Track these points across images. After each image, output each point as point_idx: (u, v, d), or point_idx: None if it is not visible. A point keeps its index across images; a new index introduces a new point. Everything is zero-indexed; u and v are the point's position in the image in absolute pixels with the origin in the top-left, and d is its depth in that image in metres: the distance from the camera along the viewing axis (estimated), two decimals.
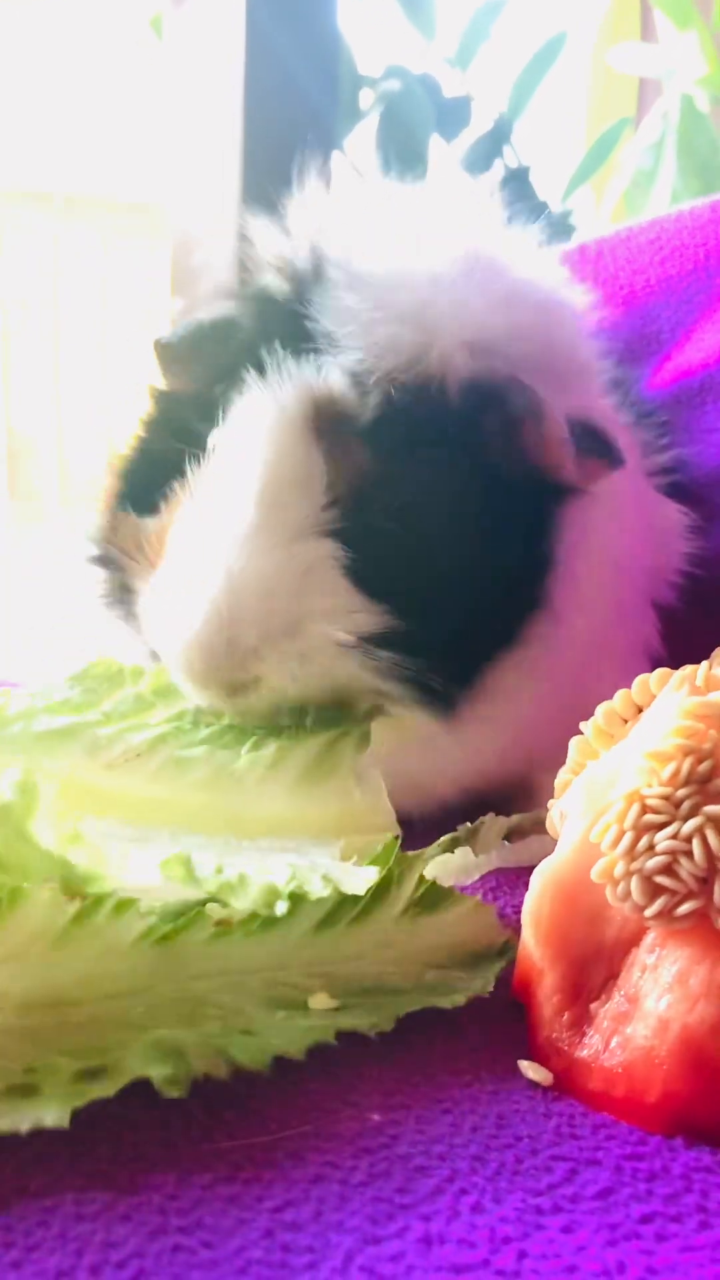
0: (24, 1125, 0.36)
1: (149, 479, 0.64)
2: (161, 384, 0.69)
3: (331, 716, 0.60)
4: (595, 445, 0.61)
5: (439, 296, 0.60)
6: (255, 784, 0.54)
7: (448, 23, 1.80)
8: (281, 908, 0.43)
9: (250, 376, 0.59)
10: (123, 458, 0.68)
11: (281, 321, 0.60)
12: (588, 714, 0.48)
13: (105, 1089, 0.38)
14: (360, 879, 0.45)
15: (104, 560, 0.67)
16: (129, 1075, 0.38)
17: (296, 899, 0.44)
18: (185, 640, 0.58)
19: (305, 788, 0.54)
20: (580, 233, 1.78)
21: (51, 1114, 0.37)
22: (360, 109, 1.69)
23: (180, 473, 0.62)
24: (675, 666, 0.47)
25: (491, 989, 0.48)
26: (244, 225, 0.66)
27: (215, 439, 0.61)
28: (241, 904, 0.43)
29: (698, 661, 0.47)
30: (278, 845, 0.50)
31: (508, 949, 0.50)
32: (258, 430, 0.59)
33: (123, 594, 0.65)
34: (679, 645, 0.72)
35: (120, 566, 0.65)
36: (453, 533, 0.59)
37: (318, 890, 0.44)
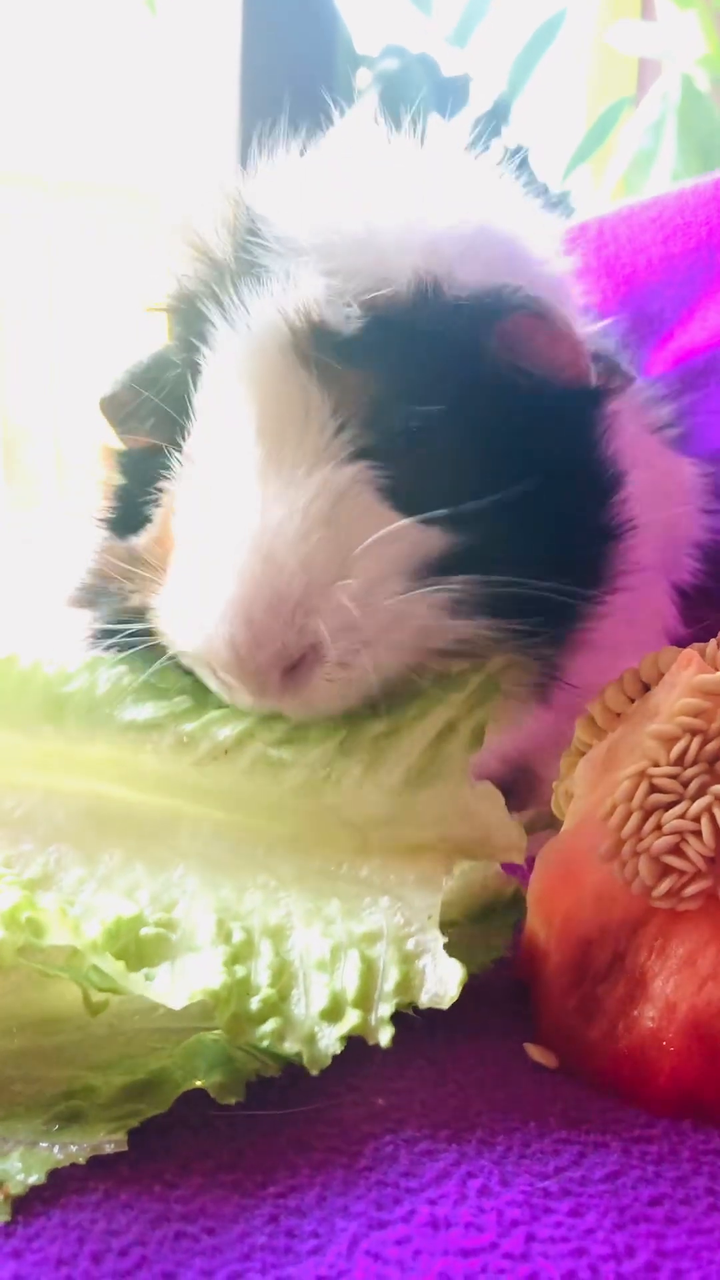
0: (82, 1157, 0.36)
1: (130, 516, 0.58)
2: (119, 445, 0.62)
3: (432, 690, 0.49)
4: (601, 365, 0.56)
5: (393, 218, 0.54)
6: (355, 786, 0.46)
7: (446, 1, 1.78)
8: (331, 1043, 0.38)
9: (214, 324, 0.52)
10: (100, 515, 0.62)
11: (229, 290, 0.53)
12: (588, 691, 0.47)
13: (158, 1105, 0.37)
14: (448, 981, 0.40)
15: (90, 599, 0.59)
16: (179, 1087, 0.37)
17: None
18: (220, 614, 0.48)
19: (410, 792, 0.46)
20: (579, 213, 1.76)
21: (106, 1138, 0.36)
22: (357, 89, 1.67)
23: (158, 489, 0.55)
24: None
25: (509, 947, 0.47)
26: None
27: (196, 403, 0.54)
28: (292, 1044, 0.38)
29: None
30: (377, 880, 0.44)
31: (518, 898, 0.49)
32: (236, 370, 0.52)
33: (116, 631, 0.55)
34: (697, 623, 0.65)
35: (111, 600, 0.57)
36: (488, 442, 0.51)
37: (386, 995, 0.39)
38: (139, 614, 0.55)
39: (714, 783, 0.40)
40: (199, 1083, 0.37)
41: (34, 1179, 0.35)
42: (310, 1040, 0.38)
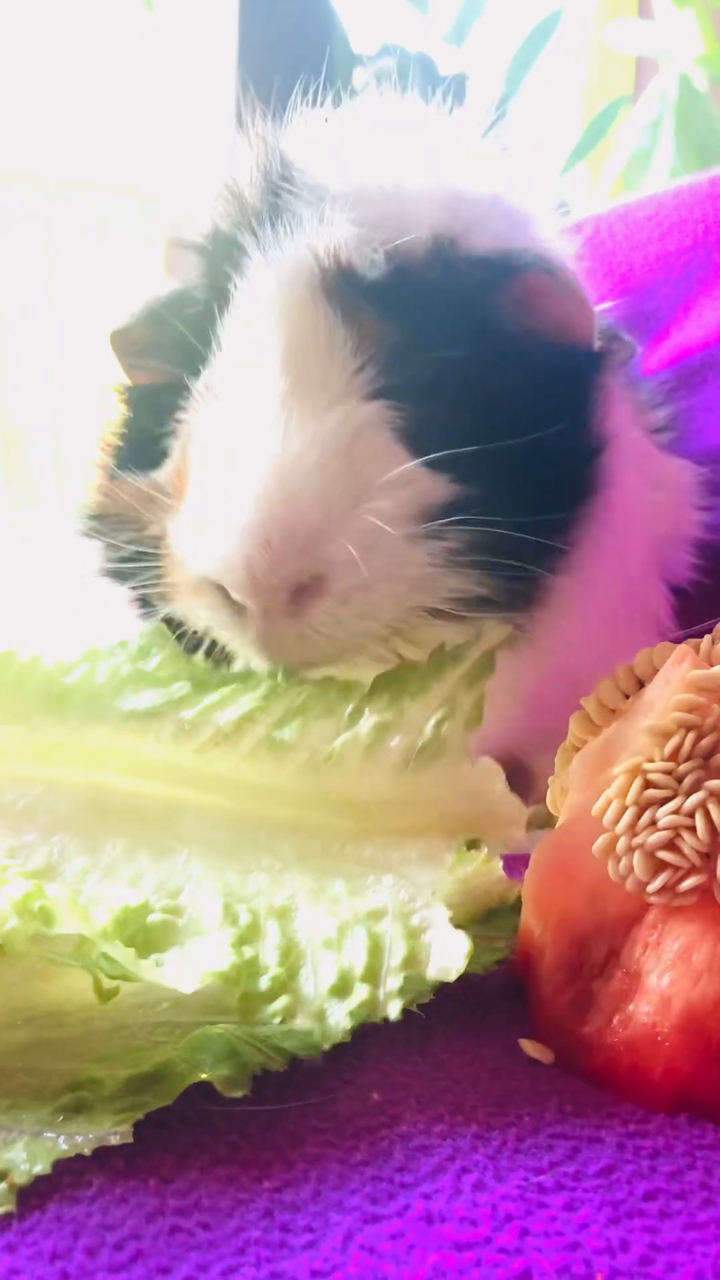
0: (87, 1148, 0.36)
1: (144, 450, 0.60)
2: (126, 380, 0.64)
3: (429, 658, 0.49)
4: (607, 333, 0.59)
5: (417, 179, 0.56)
6: (357, 767, 0.47)
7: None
8: (341, 1019, 0.38)
9: (245, 260, 0.55)
10: (106, 448, 0.64)
11: (260, 229, 0.55)
12: (583, 688, 0.48)
13: (163, 1097, 0.37)
14: (454, 953, 0.40)
15: (102, 529, 0.60)
16: (184, 1079, 0.37)
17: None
18: (237, 534, 0.50)
19: (412, 772, 0.47)
20: (577, 210, 1.76)
21: (112, 1129, 0.36)
22: (355, 88, 1.67)
23: (176, 420, 0.57)
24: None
25: (512, 949, 0.47)
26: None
27: (221, 335, 0.56)
28: (304, 1022, 0.38)
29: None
30: (380, 859, 0.45)
31: (520, 902, 0.49)
32: (264, 303, 0.54)
33: (131, 561, 0.57)
34: (694, 622, 0.66)
35: (127, 529, 0.58)
36: (498, 397, 0.54)
37: (393, 969, 0.39)
38: (158, 542, 0.57)
39: (709, 778, 0.40)
40: (204, 1076, 0.37)
41: (39, 1169, 0.35)
42: (320, 1016, 0.38)
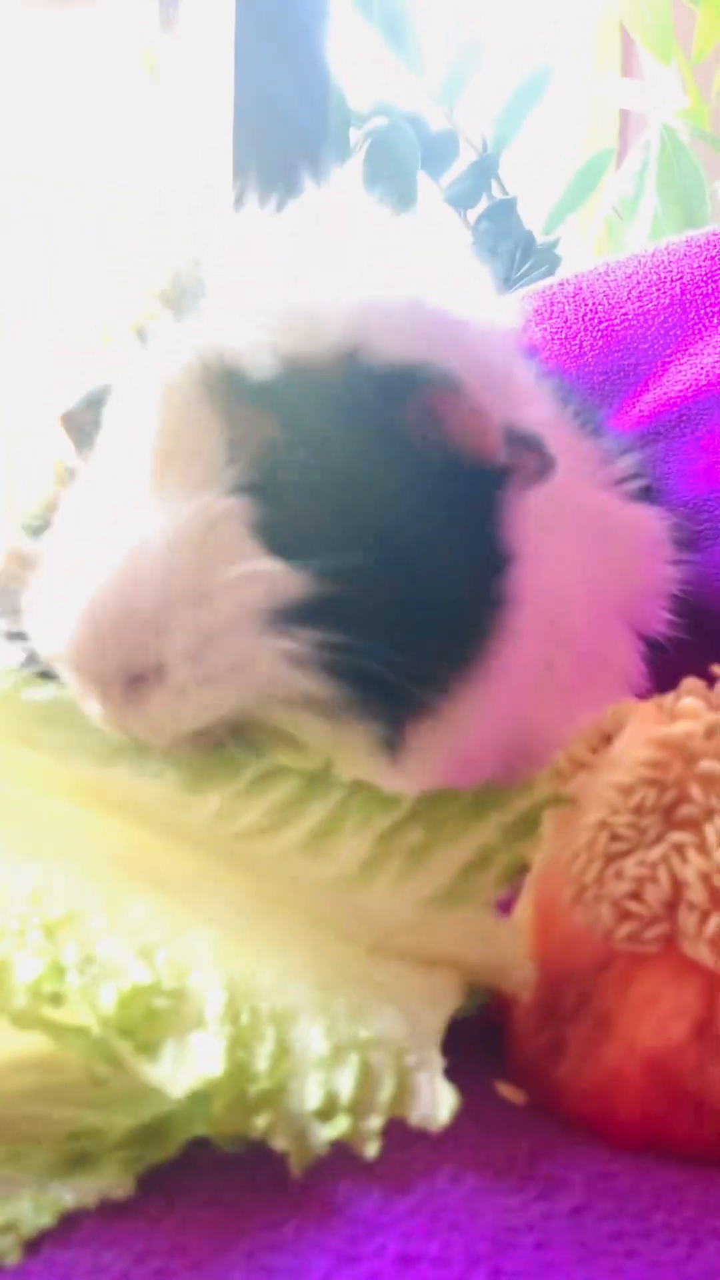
0: (91, 1200, 0.37)
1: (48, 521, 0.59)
2: (72, 459, 0.63)
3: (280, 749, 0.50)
4: (524, 445, 0.57)
5: (331, 286, 0.56)
6: (382, 891, 0.46)
7: (434, 58, 1.84)
8: (318, 1142, 0.38)
9: (131, 347, 0.55)
10: (28, 520, 0.64)
11: (160, 325, 0.56)
12: (533, 752, 0.49)
13: (164, 1149, 0.38)
14: (439, 1105, 0.40)
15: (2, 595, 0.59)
16: (184, 1132, 0.38)
17: None
18: (73, 616, 0.49)
19: (436, 909, 0.46)
20: (566, 262, 1.81)
21: (115, 1181, 0.37)
22: (351, 145, 1.72)
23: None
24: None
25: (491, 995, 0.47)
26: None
27: (105, 419, 0.56)
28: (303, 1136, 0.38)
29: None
30: (389, 985, 0.43)
31: None
32: (143, 396, 0.54)
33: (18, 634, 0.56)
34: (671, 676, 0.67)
35: (14, 600, 0.57)
36: (377, 503, 0.53)
37: (379, 1105, 0.39)
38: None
39: (669, 830, 0.43)
40: (203, 1131, 0.38)
41: (44, 1221, 0.36)
42: (300, 1138, 0.38)
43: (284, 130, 1.59)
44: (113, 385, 0.60)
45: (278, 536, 0.52)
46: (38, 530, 0.62)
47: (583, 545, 0.65)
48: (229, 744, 0.51)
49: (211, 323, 0.55)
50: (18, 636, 0.57)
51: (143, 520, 0.51)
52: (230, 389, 0.53)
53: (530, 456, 0.58)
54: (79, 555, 0.52)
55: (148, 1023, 0.40)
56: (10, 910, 0.42)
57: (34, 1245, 0.36)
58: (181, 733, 0.51)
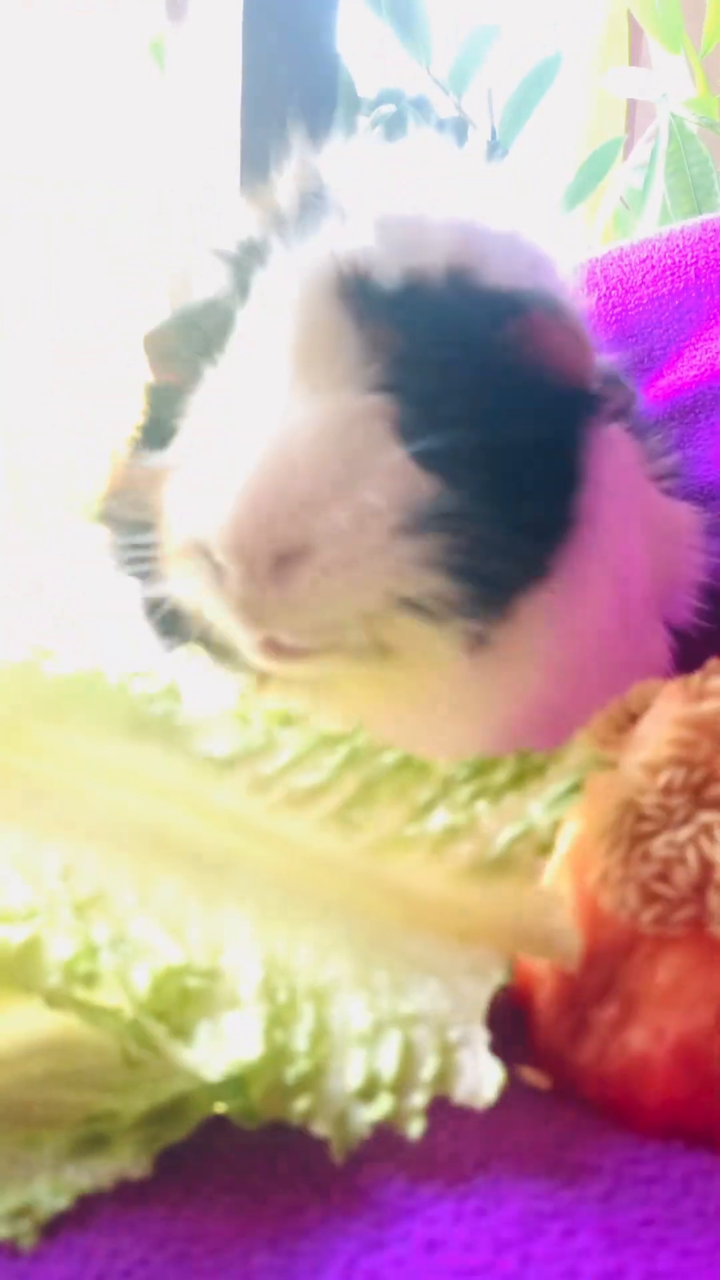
0: (107, 1181, 0.36)
1: (157, 437, 0.62)
2: (152, 379, 0.66)
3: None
4: (609, 381, 0.62)
5: (439, 211, 0.60)
6: (420, 862, 0.45)
7: (442, 46, 1.83)
8: (361, 1126, 0.37)
9: (271, 249, 0.58)
10: (128, 439, 0.66)
11: (289, 233, 0.59)
12: (577, 713, 0.49)
13: (180, 1129, 0.37)
14: (486, 1082, 0.38)
15: (109, 512, 0.62)
16: (201, 1112, 0.37)
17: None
18: (229, 497, 0.51)
19: (475, 881, 0.45)
20: (575, 253, 1.79)
21: (130, 1163, 0.36)
22: (359, 132, 1.71)
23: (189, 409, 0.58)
24: None
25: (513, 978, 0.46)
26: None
27: (238, 321, 0.58)
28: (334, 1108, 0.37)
29: None
30: (428, 958, 0.42)
31: None
32: (282, 296, 0.57)
33: (133, 537, 0.59)
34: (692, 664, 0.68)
35: (131, 508, 0.60)
36: (491, 420, 0.56)
37: (422, 1084, 0.38)
38: (157, 516, 0.58)
39: (699, 811, 0.42)
40: (220, 1109, 0.38)
41: (60, 1203, 0.35)
42: (340, 1122, 0.37)
43: (292, 118, 1.58)
44: (207, 307, 0.62)
45: (415, 435, 0.54)
46: (134, 448, 0.64)
47: (630, 531, 0.66)
48: (347, 650, 0.55)
49: (343, 235, 0.58)
50: (133, 555, 0.58)
51: (290, 413, 0.54)
52: (362, 296, 0.56)
53: (616, 390, 0.62)
54: (225, 448, 0.54)
55: (181, 1004, 0.39)
56: (39, 888, 0.42)
57: (51, 1229, 0.36)
58: (314, 618, 0.54)
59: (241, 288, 0.60)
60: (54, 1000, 0.39)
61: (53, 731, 0.47)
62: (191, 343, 0.62)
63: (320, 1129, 0.37)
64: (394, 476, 0.53)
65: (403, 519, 0.53)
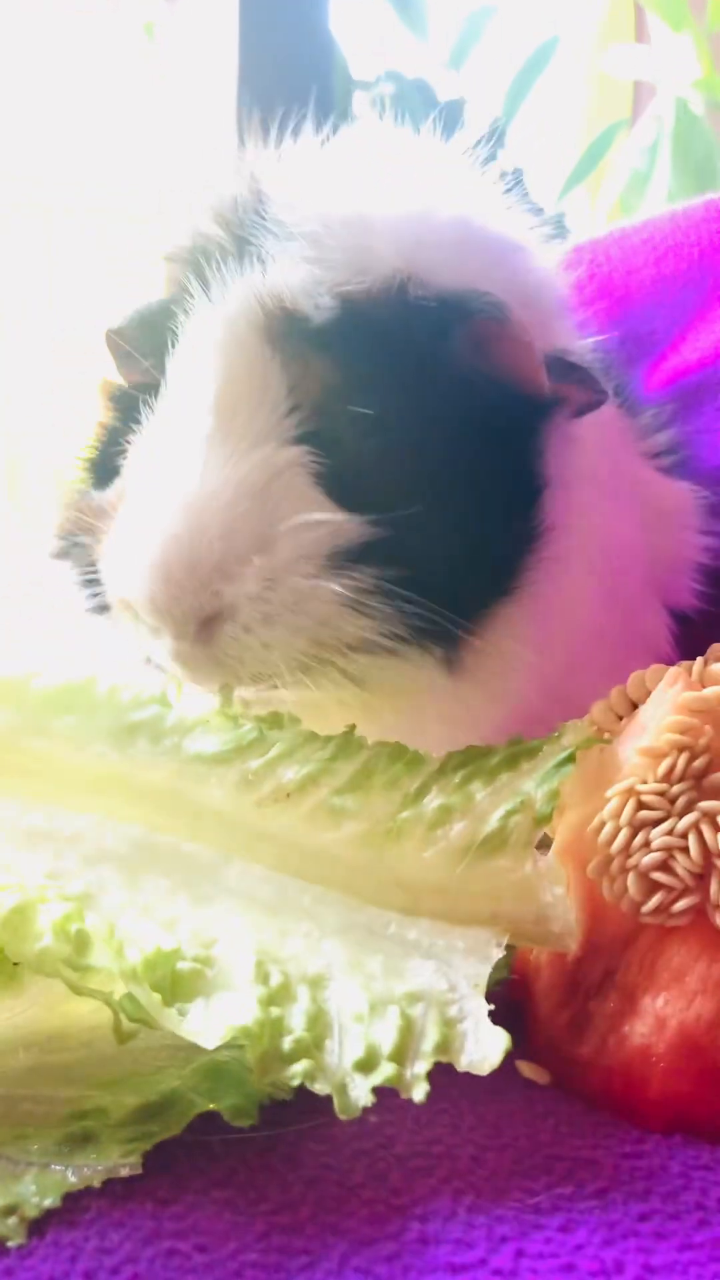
0: (96, 1180, 0.36)
1: (109, 462, 0.61)
2: (117, 378, 0.65)
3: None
4: (574, 376, 0.59)
5: (381, 211, 0.57)
6: (415, 846, 0.45)
7: (441, 25, 1.81)
8: (363, 1093, 0.37)
9: (195, 295, 0.57)
10: (84, 454, 0.66)
11: (221, 262, 0.57)
12: (574, 703, 0.48)
13: (171, 1126, 0.37)
14: (491, 1047, 0.38)
15: (68, 550, 0.62)
16: (193, 1109, 0.37)
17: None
18: (144, 566, 0.53)
19: (471, 861, 0.45)
20: (575, 234, 1.78)
21: (120, 1161, 0.36)
22: (354, 113, 1.69)
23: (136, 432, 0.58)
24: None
25: (512, 970, 0.46)
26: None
27: (168, 367, 0.58)
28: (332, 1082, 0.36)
29: None
30: (425, 943, 0.43)
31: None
32: (206, 343, 0.56)
33: (91, 579, 0.59)
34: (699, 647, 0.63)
35: (86, 548, 0.60)
36: (432, 442, 0.55)
37: (423, 1053, 0.37)
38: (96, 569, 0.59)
39: (701, 799, 0.41)
40: (213, 1106, 0.37)
41: (49, 1202, 0.35)
42: (341, 1089, 0.37)
43: (288, 98, 1.56)
44: (166, 305, 0.60)
45: (337, 482, 0.54)
46: (97, 466, 0.64)
47: (621, 512, 0.64)
48: (290, 686, 0.54)
49: (270, 264, 0.56)
50: (90, 582, 0.60)
51: (209, 471, 0.54)
52: (290, 333, 0.55)
53: (578, 389, 0.58)
54: (149, 506, 0.55)
55: (173, 983, 0.38)
56: (29, 887, 0.41)
57: (39, 1226, 0.35)
58: (247, 670, 0.54)
59: (189, 294, 0.58)
60: (42, 964, 0.38)
61: (38, 743, 0.47)
62: (149, 343, 0.61)
63: (321, 1089, 0.37)
64: (311, 529, 0.53)
65: (325, 566, 0.53)
